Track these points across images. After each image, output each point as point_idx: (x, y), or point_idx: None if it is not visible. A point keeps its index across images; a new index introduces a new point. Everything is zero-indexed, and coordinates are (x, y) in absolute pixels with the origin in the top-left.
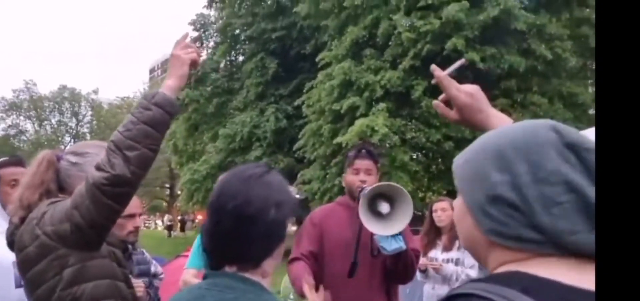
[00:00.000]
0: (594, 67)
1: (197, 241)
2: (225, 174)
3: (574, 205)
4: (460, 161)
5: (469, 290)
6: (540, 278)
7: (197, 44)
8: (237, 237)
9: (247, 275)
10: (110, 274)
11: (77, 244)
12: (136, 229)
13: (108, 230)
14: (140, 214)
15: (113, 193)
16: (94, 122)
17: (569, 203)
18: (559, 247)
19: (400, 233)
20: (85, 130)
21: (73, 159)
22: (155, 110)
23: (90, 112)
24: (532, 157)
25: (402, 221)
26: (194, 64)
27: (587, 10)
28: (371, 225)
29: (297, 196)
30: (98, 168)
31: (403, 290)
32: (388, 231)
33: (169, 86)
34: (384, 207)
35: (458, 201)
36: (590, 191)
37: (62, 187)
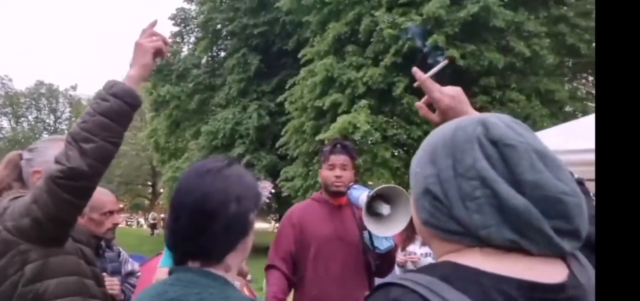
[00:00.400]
0: (570, 64)
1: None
2: (185, 170)
3: (487, 200)
4: (414, 157)
5: (393, 280)
6: (460, 265)
7: (178, 40)
8: (197, 233)
9: (210, 269)
10: (76, 271)
11: (38, 239)
12: (115, 226)
13: (69, 225)
14: (119, 211)
15: (70, 187)
16: (73, 119)
17: (483, 198)
18: (478, 239)
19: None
20: (64, 127)
21: (26, 156)
22: (112, 101)
23: (68, 109)
24: (455, 152)
25: (402, 221)
26: (158, 53)
27: (565, 8)
28: (372, 226)
29: (267, 188)
30: (56, 161)
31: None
32: (389, 231)
33: (130, 76)
34: (385, 208)
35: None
36: (503, 187)
37: (25, 185)
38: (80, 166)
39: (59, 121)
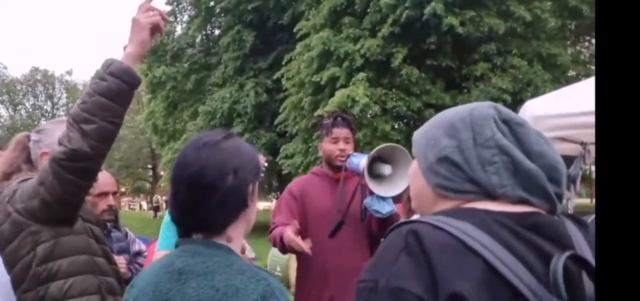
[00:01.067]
0: (572, 27)
1: (163, 223)
2: (184, 145)
3: (504, 165)
4: (418, 132)
5: (418, 219)
6: (467, 208)
7: (171, 19)
8: (196, 206)
9: (213, 240)
10: (87, 250)
11: (47, 220)
12: (110, 208)
13: (77, 206)
14: (114, 193)
15: (73, 168)
16: (70, 104)
17: (501, 163)
18: (491, 197)
19: (390, 197)
20: (62, 113)
21: (34, 137)
22: (110, 80)
23: (65, 95)
24: (475, 127)
25: (404, 179)
26: (156, 28)
27: None
28: (376, 187)
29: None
30: (59, 142)
31: None
32: (393, 191)
33: (128, 54)
34: (387, 168)
35: (413, 164)
36: (518, 154)
37: (34, 167)
38: (82, 147)
39: (56, 106)
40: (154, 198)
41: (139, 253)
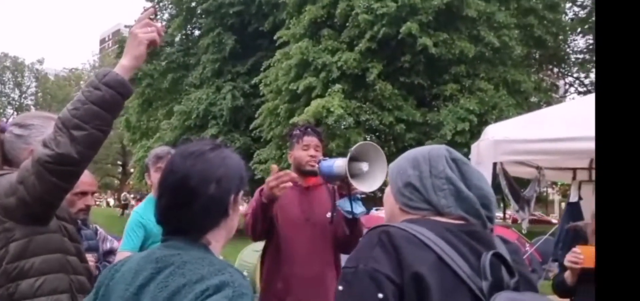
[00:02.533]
0: (537, 56)
1: (128, 224)
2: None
3: (450, 191)
4: (392, 164)
5: (388, 225)
6: (425, 219)
7: (151, 11)
8: (178, 210)
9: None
10: (60, 248)
11: (23, 218)
12: (87, 207)
13: (55, 207)
14: (93, 193)
15: (58, 171)
16: (39, 94)
17: (448, 190)
18: (440, 214)
19: (359, 199)
20: (30, 102)
21: (17, 131)
22: (105, 90)
23: (34, 84)
24: (431, 162)
25: (380, 177)
26: (152, 43)
27: (534, 0)
28: (357, 184)
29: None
30: (44, 144)
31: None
32: (372, 186)
33: (123, 66)
34: (364, 165)
35: (387, 190)
36: (460, 184)
37: (7, 159)
38: (70, 153)
39: (24, 95)
40: (122, 196)
41: (111, 251)
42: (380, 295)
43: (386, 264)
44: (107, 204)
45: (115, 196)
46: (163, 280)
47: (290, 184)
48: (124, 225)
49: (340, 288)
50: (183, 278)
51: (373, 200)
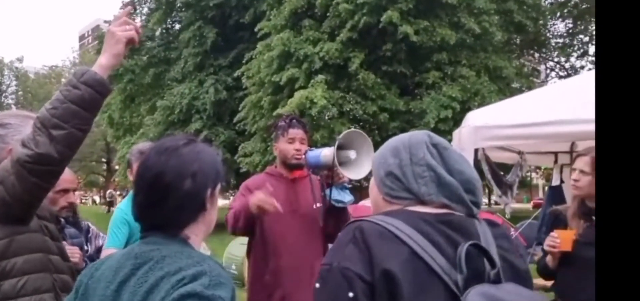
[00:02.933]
0: (518, 41)
1: (112, 221)
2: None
3: (431, 178)
4: (375, 154)
5: (363, 218)
6: (405, 209)
7: (129, 9)
8: (154, 207)
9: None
10: (42, 248)
11: (4, 218)
12: (70, 205)
13: (35, 206)
14: (74, 190)
15: (37, 171)
16: (20, 92)
17: (429, 177)
18: (421, 202)
19: (347, 188)
20: (10, 101)
21: None
22: (83, 89)
23: (14, 82)
24: (411, 149)
25: (367, 164)
26: (130, 41)
27: None
28: (345, 172)
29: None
30: (23, 144)
31: None
32: (360, 173)
33: (101, 64)
34: (352, 153)
35: (372, 180)
36: (440, 170)
37: None
38: (50, 152)
39: (4, 94)
40: (107, 193)
41: (99, 249)
42: (351, 294)
43: (357, 262)
44: (93, 201)
45: (101, 194)
46: (142, 275)
47: (272, 209)
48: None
49: (317, 285)
50: (161, 271)
51: (359, 191)
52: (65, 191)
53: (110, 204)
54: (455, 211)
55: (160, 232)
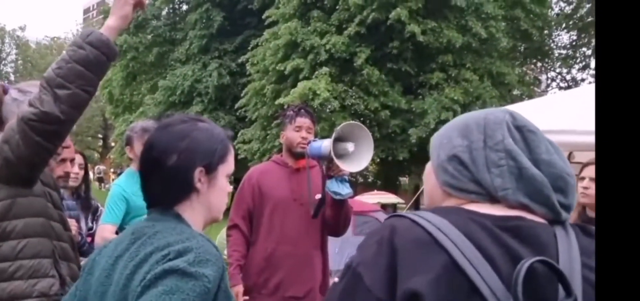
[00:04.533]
0: (522, 49)
1: (109, 197)
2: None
3: (510, 169)
4: (436, 134)
5: (403, 214)
6: (460, 207)
7: None
8: (146, 181)
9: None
10: (43, 213)
11: (8, 179)
12: (66, 174)
13: (39, 168)
14: (72, 160)
15: (41, 130)
16: (19, 61)
17: (507, 167)
18: (493, 200)
19: (346, 180)
20: (9, 70)
21: (14, 94)
22: (88, 49)
23: (15, 51)
24: (487, 130)
25: (366, 157)
26: (139, 4)
27: None
28: (343, 165)
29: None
30: (29, 104)
31: (332, 250)
32: (358, 166)
33: (108, 26)
34: (350, 146)
35: (428, 165)
36: (525, 160)
37: (1, 121)
38: (54, 111)
39: (3, 62)
40: (96, 168)
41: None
42: None
43: (375, 272)
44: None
45: (95, 170)
46: (135, 249)
47: None
48: (104, 198)
49: (335, 279)
50: (151, 246)
51: (355, 185)
52: (63, 160)
53: (100, 180)
54: (536, 214)
55: (157, 207)
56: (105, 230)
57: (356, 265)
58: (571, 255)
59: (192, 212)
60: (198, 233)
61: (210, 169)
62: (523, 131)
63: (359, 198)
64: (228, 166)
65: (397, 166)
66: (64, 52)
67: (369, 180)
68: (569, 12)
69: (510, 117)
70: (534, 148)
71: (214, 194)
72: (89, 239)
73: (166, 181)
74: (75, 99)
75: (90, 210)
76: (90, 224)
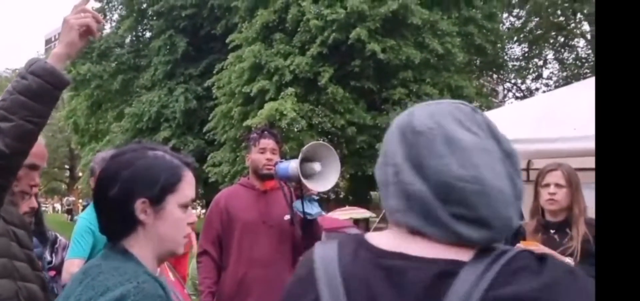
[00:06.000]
0: (478, 63)
1: (75, 230)
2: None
3: (398, 186)
4: None
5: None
6: (362, 239)
7: (100, 15)
8: (97, 212)
9: (116, 246)
10: (5, 253)
11: None
12: (31, 210)
13: None
14: (36, 194)
15: None
16: None
17: (396, 185)
18: (395, 223)
19: (315, 200)
20: None
21: None
22: (31, 79)
23: None
24: (387, 141)
25: (333, 175)
26: (88, 31)
27: (474, 10)
28: (310, 185)
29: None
30: None
31: None
32: (325, 185)
33: (54, 54)
34: (317, 165)
35: None
36: (406, 173)
37: None
38: None
39: None
40: (65, 200)
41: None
42: None
43: None
44: (53, 209)
45: (62, 202)
46: (78, 293)
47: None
48: (72, 231)
49: None
50: (92, 291)
51: (327, 202)
52: (33, 166)
53: (69, 211)
54: (431, 238)
55: (109, 242)
56: (72, 265)
57: (285, 294)
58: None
59: (140, 247)
60: (142, 272)
61: (156, 201)
62: (414, 134)
63: (331, 214)
64: (180, 196)
65: (367, 181)
66: (10, 84)
67: (341, 196)
68: (518, 26)
69: (409, 118)
70: (420, 153)
71: (164, 226)
72: (51, 273)
73: (109, 213)
74: (19, 131)
75: (48, 242)
76: (49, 257)
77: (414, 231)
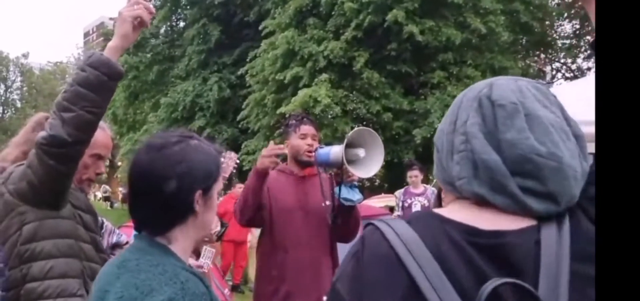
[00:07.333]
0: (523, 42)
1: None
2: (144, 136)
3: (467, 154)
4: None
5: (380, 221)
6: (433, 213)
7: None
8: (138, 206)
9: (155, 238)
10: (72, 234)
11: (35, 202)
12: (97, 175)
13: (61, 191)
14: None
15: (52, 153)
16: (25, 88)
17: (465, 152)
18: (457, 190)
19: (356, 186)
20: (15, 97)
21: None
22: (89, 71)
23: (20, 78)
24: (459, 110)
25: (377, 162)
26: (141, 23)
27: None
28: (355, 170)
29: (232, 159)
30: (44, 128)
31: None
32: (369, 172)
33: (109, 46)
34: (361, 151)
35: None
36: (478, 142)
37: None
38: (60, 134)
39: (9, 90)
40: (102, 188)
41: (117, 245)
42: None
43: (348, 288)
44: (94, 197)
45: (103, 190)
46: (119, 289)
47: (282, 151)
48: (116, 219)
49: (325, 298)
50: (135, 290)
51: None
52: (99, 156)
53: (107, 199)
54: (497, 206)
55: (146, 231)
56: None
57: (335, 280)
58: (559, 265)
59: (185, 236)
60: (181, 269)
61: (207, 191)
62: (494, 106)
63: (366, 202)
64: (219, 183)
65: (403, 168)
66: (70, 77)
67: (376, 184)
68: (569, 1)
69: (487, 89)
70: (499, 126)
71: (208, 213)
72: None
73: (163, 207)
74: (80, 121)
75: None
76: None
77: (480, 203)
